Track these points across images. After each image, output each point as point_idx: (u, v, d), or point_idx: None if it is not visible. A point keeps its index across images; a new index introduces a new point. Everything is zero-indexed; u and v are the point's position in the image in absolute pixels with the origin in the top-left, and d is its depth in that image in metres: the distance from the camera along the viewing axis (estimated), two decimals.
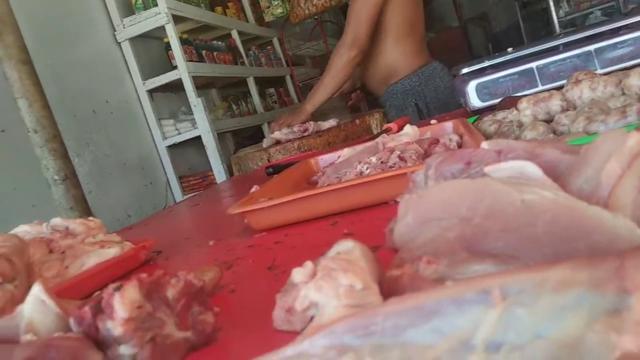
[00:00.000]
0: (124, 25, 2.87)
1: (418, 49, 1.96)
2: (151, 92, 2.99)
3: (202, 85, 3.47)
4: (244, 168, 1.88)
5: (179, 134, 3.08)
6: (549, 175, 0.34)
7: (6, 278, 0.52)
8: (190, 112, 3.13)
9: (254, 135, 3.89)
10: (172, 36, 2.84)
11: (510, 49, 1.34)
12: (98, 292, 0.43)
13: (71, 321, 0.36)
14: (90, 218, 0.73)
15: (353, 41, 1.78)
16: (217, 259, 0.64)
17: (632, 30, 1.07)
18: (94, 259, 0.62)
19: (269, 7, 3.91)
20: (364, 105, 4.73)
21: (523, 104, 0.74)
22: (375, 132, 2.01)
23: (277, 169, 1.38)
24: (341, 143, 1.82)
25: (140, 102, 2.99)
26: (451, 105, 1.86)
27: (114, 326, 0.34)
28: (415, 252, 0.35)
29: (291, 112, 1.98)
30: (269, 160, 1.79)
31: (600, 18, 3.17)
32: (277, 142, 1.85)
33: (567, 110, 0.71)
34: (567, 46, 1.14)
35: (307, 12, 3.88)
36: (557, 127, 0.70)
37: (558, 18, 3.53)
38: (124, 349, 0.34)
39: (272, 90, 4.16)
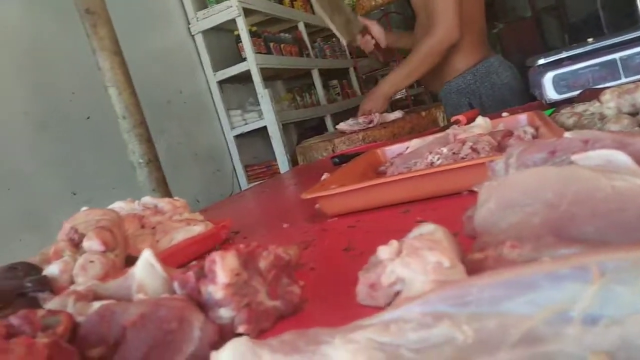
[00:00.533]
0: (197, 18, 2.99)
1: (476, 44, 1.87)
2: (221, 83, 3.11)
3: (269, 77, 3.55)
4: (309, 158, 1.92)
5: (246, 124, 3.18)
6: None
7: (109, 247, 0.58)
8: (257, 103, 3.22)
9: (316, 127, 3.94)
10: (242, 29, 2.93)
11: (590, 40, 1.28)
12: (194, 262, 0.47)
13: (175, 284, 0.40)
14: (176, 198, 0.79)
15: (446, 32, 1.70)
16: (294, 239, 0.68)
17: None
18: (182, 234, 0.67)
19: None
20: (409, 101, 4.65)
21: (606, 96, 0.71)
22: (441, 124, 1.98)
23: (343, 158, 1.40)
24: (407, 135, 1.82)
25: (211, 93, 3.12)
26: (510, 102, 1.79)
27: (215, 290, 0.37)
28: (498, 237, 0.36)
29: (369, 100, 1.93)
30: (333, 151, 1.82)
31: None
32: (342, 133, 1.88)
33: None
34: None
35: (373, 3, 3.87)
36: None
37: None
38: (224, 312, 0.37)
39: (335, 82, 4.19)
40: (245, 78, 3.26)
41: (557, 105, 1.12)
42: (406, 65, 1.84)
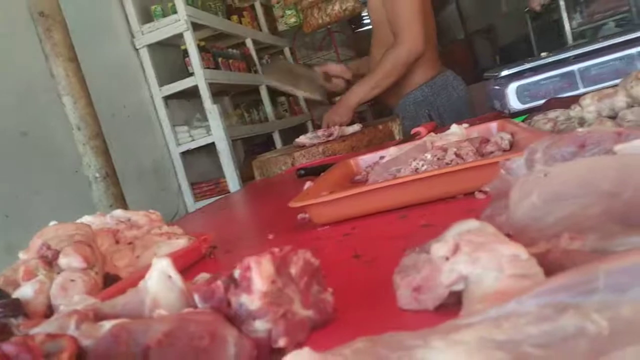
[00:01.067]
0: (142, 32, 2.88)
1: (432, 59, 1.95)
2: (166, 98, 3.00)
3: (216, 93, 3.48)
4: (267, 172, 1.88)
5: (193, 140, 3.08)
6: None
7: (90, 264, 0.51)
8: (204, 118, 3.13)
9: (264, 143, 3.89)
10: (191, 43, 2.86)
11: (543, 54, 1.35)
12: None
13: (196, 297, 0.35)
14: (151, 210, 0.73)
15: (412, 45, 1.74)
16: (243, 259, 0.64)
17: None
18: (165, 249, 0.62)
19: (282, 17, 3.95)
20: (371, 114, 4.75)
21: (587, 101, 0.74)
22: (397, 137, 2.01)
23: (309, 171, 1.37)
24: (364, 148, 1.82)
25: (156, 108, 3.00)
26: (465, 114, 1.86)
27: (251, 300, 0.33)
28: (547, 231, 0.35)
29: (333, 112, 1.94)
30: (292, 164, 1.79)
31: (613, 30, 3.19)
32: (301, 147, 1.85)
33: (632, 106, 0.71)
34: (608, 49, 1.15)
35: (320, 21, 3.92)
36: (622, 123, 0.69)
37: (571, 29, 3.55)
38: (260, 324, 0.33)
39: (283, 98, 4.18)
40: (191, 93, 3.17)
41: (516, 115, 1.16)
42: (372, 77, 1.86)
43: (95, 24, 2.64)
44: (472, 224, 0.36)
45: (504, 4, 5.81)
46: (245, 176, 3.38)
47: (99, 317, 0.35)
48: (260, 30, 4.05)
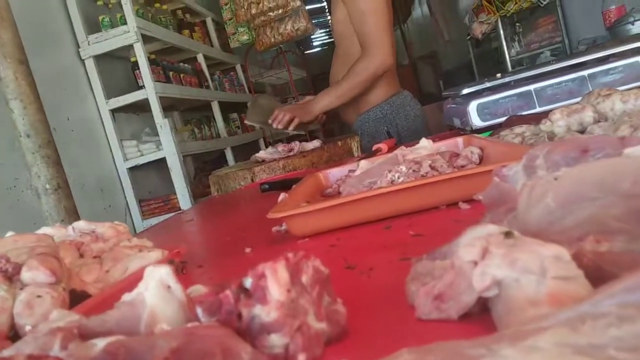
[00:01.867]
0: (89, 42, 2.76)
1: (391, 78, 1.98)
2: (113, 112, 2.88)
3: (166, 107, 3.38)
4: (224, 188, 1.82)
5: (142, 155, 2.96)
6: None
7: (58, 278, 0.46)
8: (153, 133, 3.02)
9: (216, 160, 3.81)
10: (141, 55, 2.76)
11: (499, 75, 1.40)
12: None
13: (200, 310, 0.31)
14: (117, 222, 0.67)
15: (383, 58, 1.73)
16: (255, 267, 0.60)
17: (622, 58, 1.15)
18: (137, 262, 0.56)
19: (234, 34, 3.91)
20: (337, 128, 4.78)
21: (556, 115, 0.76)
22: (356, 154, 2.02)
23: (273, 186, 1.34)
24: (324, 164, 1.81)
25: (102, 122, 2.86)
26: (422, 133, 1.89)
27: (267, 312, 0.30)
28: (569, 233, 0.34)
29: (297, 107, 1.91)
30: (252, 180, 1.74)
31: (549, 58, 3.40)
32: (260, 162, 1.82)
33: (599, 121, 0.74)
34: (560, 72, 1.21)
35: (272, 40, 3.91)
36: None
37: (509, 57, 3.75)
38: (276, 339, 0.30)
39: (234, 115, 4.12)
40: (140, 107, 3.06)
41: (478, 132, 1.19)
42: (339, 87, 1.84)
43: (38, 30, 2.50)
44: (491, 228, 0.35)
45: (446, 32, 6.08)
46: (197, 193, 3.28)
47: (85, 335, 0.31)
48: (212, 46, 4.00)
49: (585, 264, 0.30)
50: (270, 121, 1.90)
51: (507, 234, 0.31)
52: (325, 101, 1.87)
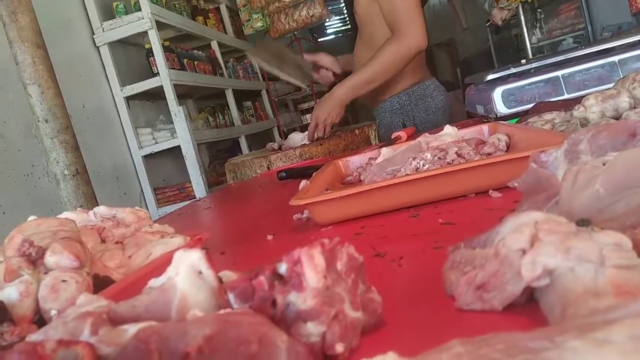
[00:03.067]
0: (103, 29, 2.76)
1: (415, 65, 1.83)
2: (128, 99, 2.88)
3: (180, 95, 3.38)
4: (240, 175, 1.82)
5: (156, 143, 2.97)
6: None
7: (82, 262, 0.45)
8: (168, 121, 3.03)
9: (230, 148, 3.81)
10: (155, 42, 2.76)
11: (523, 61, 1.36)
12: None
13: (231, 296, 0.30)
14: (137, 208, 0.66)
15: (415, 39, 1.60)
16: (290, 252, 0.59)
17: None
18: (159, 248, 0.55)
19: (249, 21, 3.89)
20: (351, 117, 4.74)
21: (590, 101, 0.73)
22: (373, 142, 1.99)
23: (290, 174, 1.33)
24: (341, 152, 1.79)
25: (117, 109, 2.87)
26: (442, 124, 1.79)
27: (303, 298, 0.28)
28: (622, 220, 0.32)
29: (324, 108, 1.76)
30: (269, 168, 1.73)
31: (571, 45, 3.33)
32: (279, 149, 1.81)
33: (635, 107, 0.71)
34: (589, 57, 1.17)
35: (287, 27, 3.88)
36: None
37: (530, 44, 3.67)
38: (312, 327, 0.28)
39: (249, 103, 4.11)
40: (154, 95, 3.06)
41: (503, 119, 1.16)
42: (367, 70, 1.67)
43: (52, 17, 2.50)
44: (536, 215, 0.33)
45: (464, 19, 5.98)
46: (211, 181, 3.29)
47: (115, 320, 0.30)
48: (226, 33, 3.97)
49: None
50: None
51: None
52: (352, 88, 1.71)
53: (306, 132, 1.81)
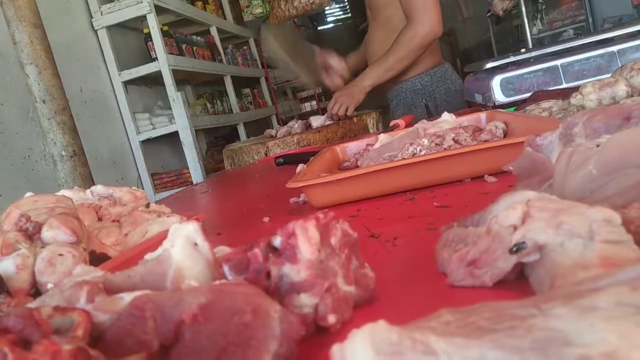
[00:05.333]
0: (101, 12, 2.74)
1: (434, 47, 1.86)
2: (126, 84, 2.86)
3: (178, 81, 3.36)
4: (238, 161, 1.82)
5: (154, 129, 2.96)
6: None
7: (78, 238, 0.45)
8: (166, 106, 3.01)
9: (228, 135, 3.80)
10: (154, 27, 2.74)
11: (523, 49, 1.36)
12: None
13: (227, 268, 0.31)
14: (134, 188, 0.67)
15: (431, 26, 1.62)
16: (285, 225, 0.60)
17: None
18: (156, 227, 0.56)
19: (248, 7, 3.86)
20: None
21: (588, 89, 0.73)
22: (371, 130, 1.99)
23: (287, 160, 1.33)
24: (339, 140, 1.79)
25: (115, 94, 2.86)
26: (458, 108, 1.80)
27: (297, 270, 0.29)
28: (612, 201, 0.32)
29: (347, 93, 1.80)
30: (266, 154, 1.74)
31: (572, 36, 3.31)
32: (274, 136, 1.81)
33: (632, 96, 0.71)
34: (588, 47, 1.17)
35: (287, 13, 3.86)
36: None
37: (531, 35, 3.65)
38: (306, 299, 0.29)
39: (247, 90, 4.09)
40: (152, 80, 3.05)
41: (502, 107, 1.16)
42: (387, 59, 1.71)
43: (51, 0, 2.48)
44: (529, 194, 0.34)
45: (465, 9, 5.93)
46: (209, 168, 3.29)
47: (110, 290, 0.30)
48: (225, 19, 3.95)
49: (632, 230, 0.28)
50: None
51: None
52: (373, 77, 1.75)
53: (325, 115, 1.83)
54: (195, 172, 2.94)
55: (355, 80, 1.81)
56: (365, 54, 1.97)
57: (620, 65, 1.11)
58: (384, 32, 1.77)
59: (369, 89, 1.77)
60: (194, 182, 2.87)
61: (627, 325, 0.18)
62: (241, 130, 3.69)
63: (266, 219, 0.69)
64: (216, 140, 3.83)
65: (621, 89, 0.71)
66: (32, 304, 0.30)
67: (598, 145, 0.36)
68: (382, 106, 2.19)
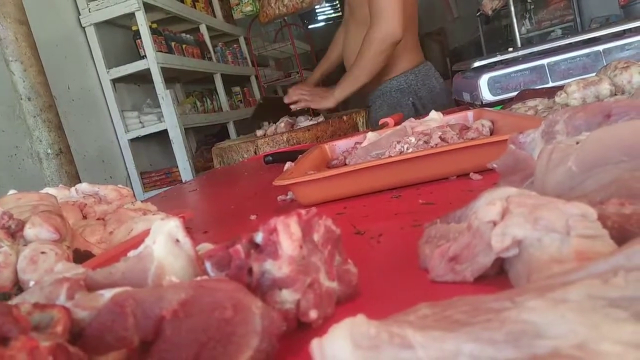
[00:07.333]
0: (89, 9, 2.71)
1: (415, 45, 1.86)
2: (114, 81, 2.84)
3: (168, 79, 3.34)
4: (227, 160, 1.81)
5: (143, 127, 2.94)
6: None
7: (61, 235, 0.45)
8: (155, 105, 3.00)
9: (218, 134, 3.78)
10: (143, 24, 2.72)
11: (510, 48, 1.37)
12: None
13: (208, 264, 0.31)
14: (120, 186, 0.66)
15: (388, 33, 1.59)
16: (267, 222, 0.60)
17: (638, 34, 1.12)
18: (141, 225, 0.56)
19: (238, 4, 3.84)
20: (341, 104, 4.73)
21: (572, 87, 0.74)
22: (361, 129, 1.99)
23: (277, 158, 1.33)
24: (328, 138, 1.79)
25: (103, 92, 2.83)
26: (446, 106, 1.80)
27: (278, 266, 0.29)
28: (592, 197, 0.33)
29: (316, 94, 1.84)
30: (255, 152, 1.73)
31: (560, 36, 3.34)
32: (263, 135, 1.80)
33: (615, 94, 0.72)
34: (574, 46, 1.18)
35: (277, 12, 3.84)
36: None
37: (519, 35, 3.68)
38: (287, 295, 0.29)
39: (237, 88, 4.08)
40: (141, 78, 3.02)
41: (489, 106, 1.17)
42: (351, 71, 1.73)
43: None
44: (510, 190, 0.34)
45: (455, 8, 5.96)
46: (198, 167, 3.27)
47: (91, 287, 0.30)
48: (215, 16, 3.93)
49: (609, 226, 0.29)
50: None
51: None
52: (343, 89, 1.76)
53: (314, 118, 1.85)
54: (185, 170, 2.93)
55: (332, 89, 1.82)
56: (332, 57, 1.99)
57: (605, 64, 1.12)
58: (362, 29, 1.73)
59: (341, 99, 1.79)
60: (183, 181, 2.85)
61: (597, 318, 0.18)
62: (231, 129, 3.68)
63: (253, 217, 0.69)
64: (206, 139, 3.82)
65: (605, 87, 0.72)
66: (13, 301, 0.30)
67: (578, 143, 0.37)
68: (368, 106, 2.20)
